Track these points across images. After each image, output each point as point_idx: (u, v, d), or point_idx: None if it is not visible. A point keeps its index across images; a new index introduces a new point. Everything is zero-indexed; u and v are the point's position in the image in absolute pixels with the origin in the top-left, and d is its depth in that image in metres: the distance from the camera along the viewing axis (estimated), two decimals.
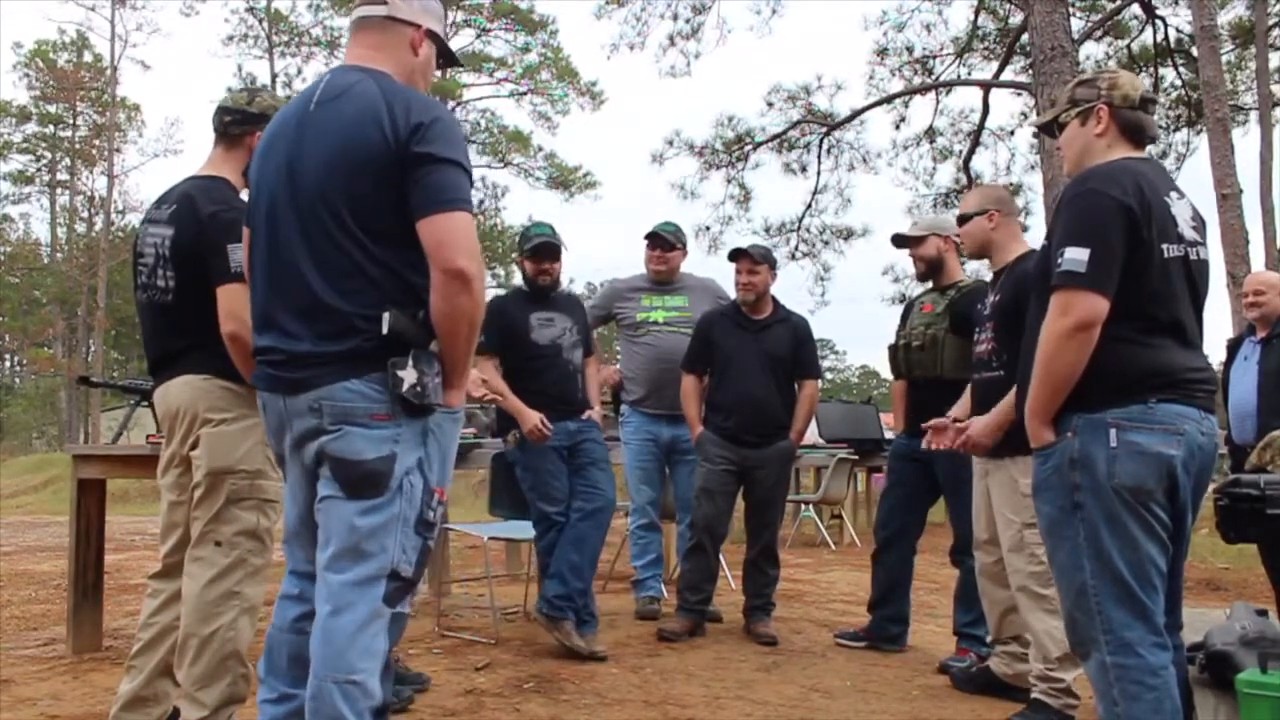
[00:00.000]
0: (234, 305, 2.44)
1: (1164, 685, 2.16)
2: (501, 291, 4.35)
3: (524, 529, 4.28)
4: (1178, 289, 2.23)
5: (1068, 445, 2.21)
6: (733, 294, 4.54)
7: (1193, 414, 2.20)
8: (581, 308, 4.43)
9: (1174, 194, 2.29)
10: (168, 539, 2.71)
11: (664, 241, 4.82)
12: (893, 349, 4.10)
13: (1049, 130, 2.53)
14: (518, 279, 4.15)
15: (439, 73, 2.36)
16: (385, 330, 1.90)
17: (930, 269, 4.06)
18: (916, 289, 4.51)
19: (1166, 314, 2.22)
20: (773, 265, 4.44)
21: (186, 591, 2.56)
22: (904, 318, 4.17)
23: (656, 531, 4.89)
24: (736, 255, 4.42)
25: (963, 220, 3.49)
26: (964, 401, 3.49)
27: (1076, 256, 2.14)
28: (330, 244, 1.93)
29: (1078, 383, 2.18)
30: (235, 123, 2.73)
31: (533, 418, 3.97)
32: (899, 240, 4.16)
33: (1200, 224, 2.33)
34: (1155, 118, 2.40)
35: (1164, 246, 2.20)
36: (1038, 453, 2.29)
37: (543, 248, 4.13)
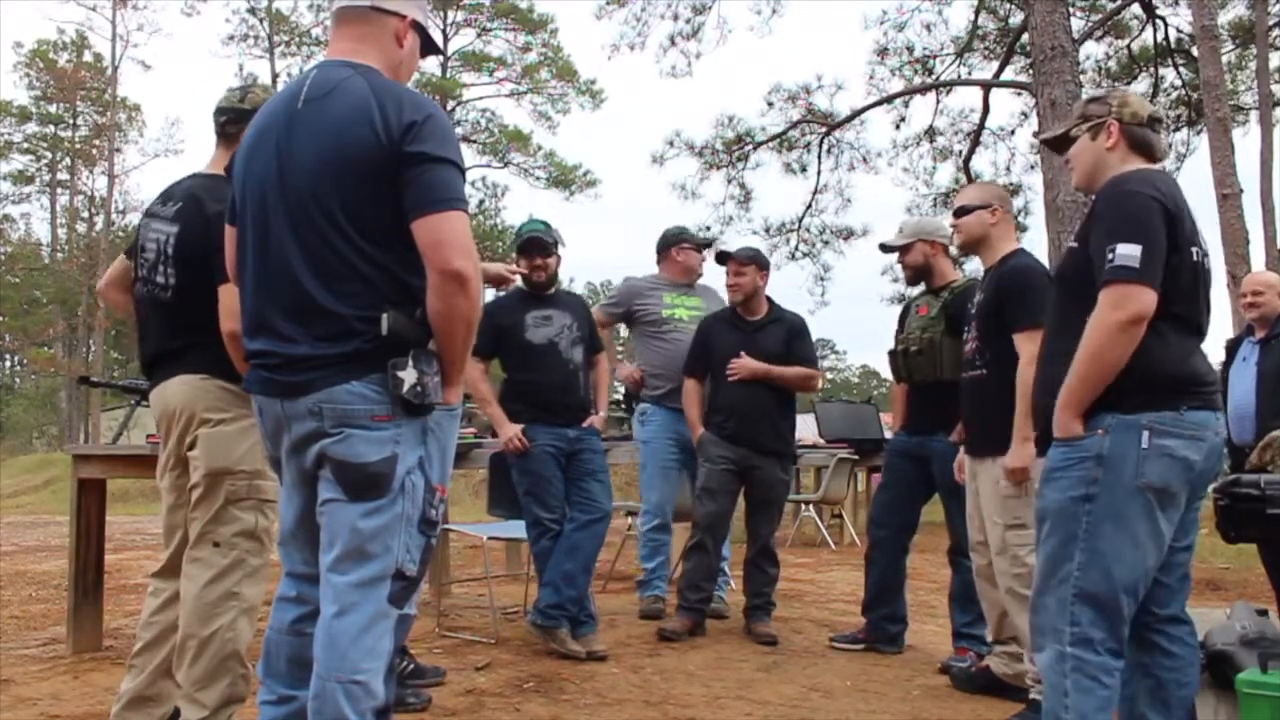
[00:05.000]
0: (236, 304, 2.44)
1: (1115, 688, 2.24)
2: (502, 293, 4.29)
3: (523, 529, 4.28)
4: (1200, 291, 2.33)
5: (1097, 442, 2.24)
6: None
7: (1212, 420, 2.29)
8: (585, 305, 4.41)
9: (1188, 205, 2.37)
10: (170, 541, 2.71)
11: (698, 246, 4.96)
12: (892, 354, 4.08)
13: (1057, 145, 2.56)
14: (517, 278, 4.10)
15: (423, 63, 2.34)
16: (385, 331, 1.90)
17: (917, 275, 4.05)
18: (914, 290, 4.50)
19: (1194, 314, 2.32)
20: (763, 266, 4.45)
21: (185, 592, 2.56)
22: (901, 321, 4.16)
23: (668, 533, 4.89)
24: (723, 258, 4.47)
25: (963, 212, 3.46)
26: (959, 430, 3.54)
27: (1129, 252, 2.19)
28: (323, 244, 1.92)
29: (1114, 382, 2.22)
30: (231, 121, 2.74)
31: (509, 430, 3.96)
32: (886, 248, 4.16)
33: (1203, 237, 2.41)
34: (1162, 138, 2.50)
35: (1193, 249, 2.30)
36: (1059, 442, 2.31)
37: (531, 243, 4.10)
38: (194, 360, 2.61)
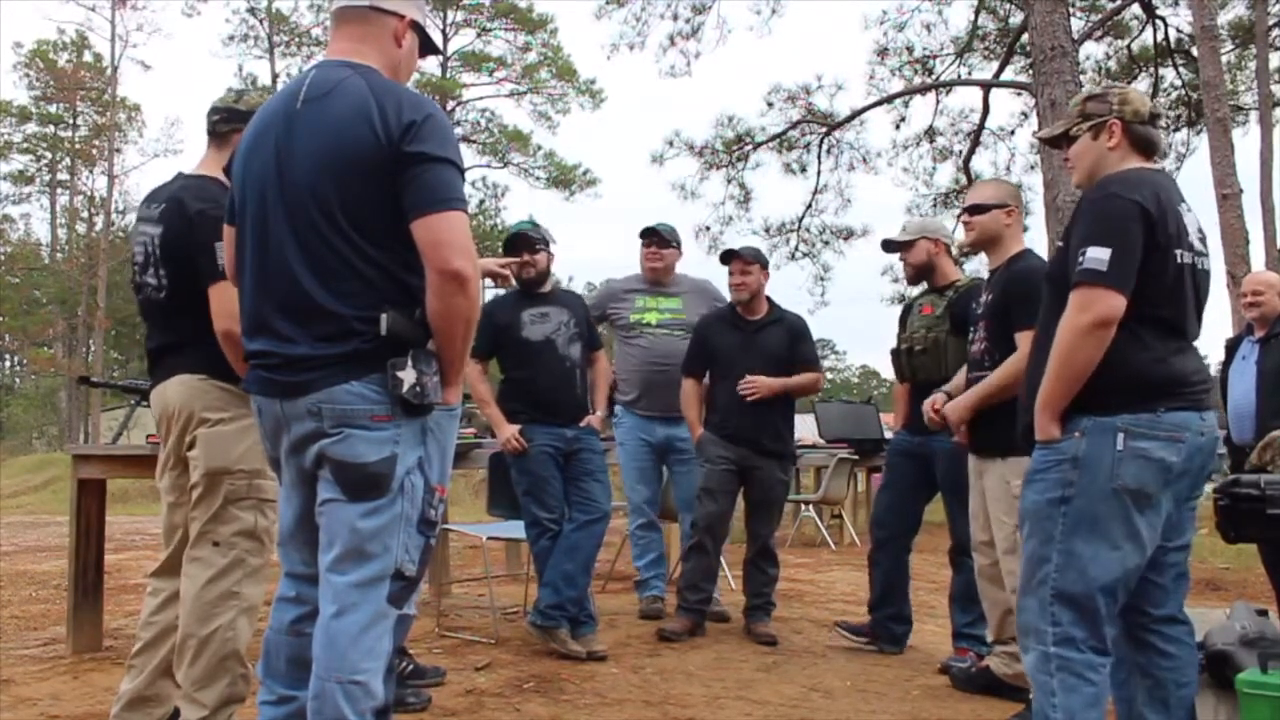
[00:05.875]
0: (226, 304, 2.43)
1: (1102, 684, 2.26)
2: (502, 292, 4.28)
3: (523, 529, 4.27)
4: (1187, 293, 2.33)
5: (1073, 444, 2.26)
6: (728, 295, 4.55)
7: (1194, 420, 2.28)
8: (582, 302, 4.40)
9: (1184, 205, 2.37)
10: (169, 541, 2.71)
11: (659, 237, 4.81)
12: (895, 353, 4.08)
13: (1056, 143, 2.56)
14: (508, 272, 4.09)
15: (421, 62, 2.35)
16: (384, 331, 1.90)
17: (919, 274, 4.04)
18: (914, 289, 4.50)
19: (1177, 316, 2.31)
20: (765, 265, 4.45)
21: (184, 592, 2.56)
22: (903, 320, 4.14)
23: (656, 531, 4.89)
24: (728, 257, 4.45)
25: (978, 210, 3.42)
26: (958, 379, 3.52)
27: (1098, 255, 2.21)
28: (322, 244, 1.92)
29: (1090, 385, 2.24)
30: (223, 120, 2.74)
31: (507, 431, 3.96)
32: (889, 245, 4.15)
33: (1203, 237, 2.42)
34: (1161, 134, 2.51)
35: (1177, 252, 2.29)
36: (1039, 445, 2.33)
37: (517, 239, 4.09)
38: (191, 359, 2.61)
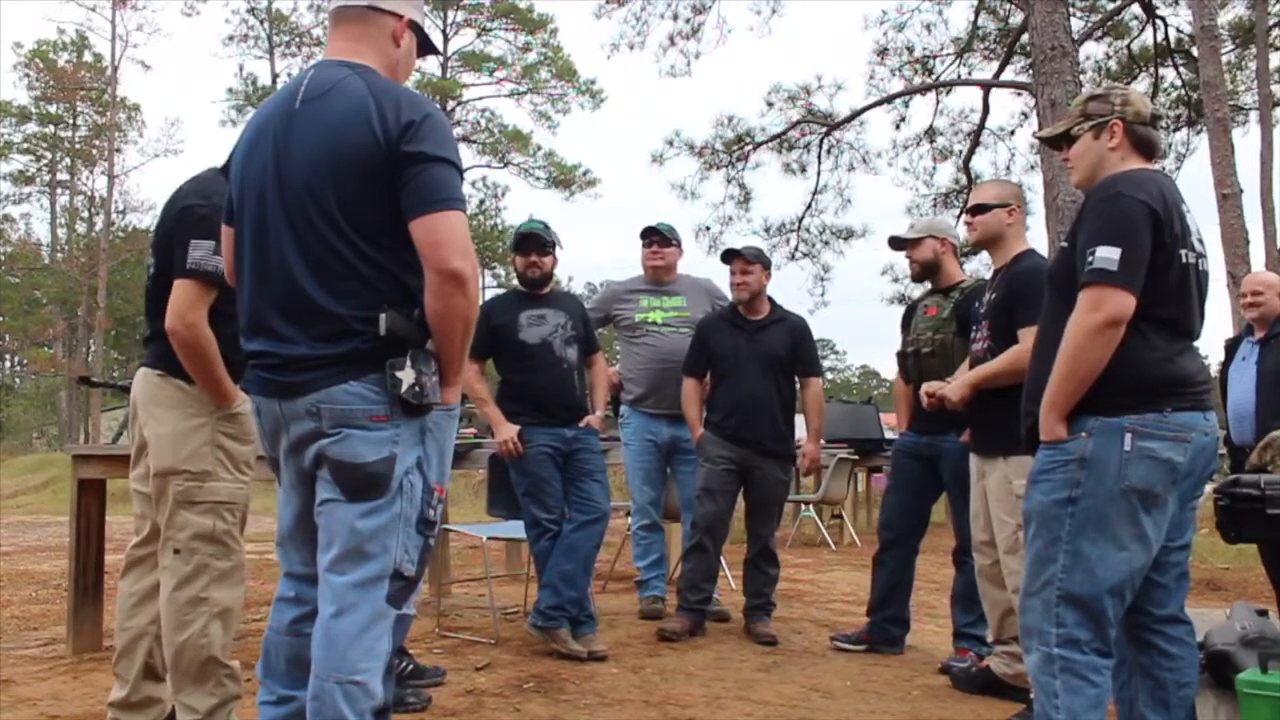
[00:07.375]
0: (180, 303, 2.44)
1: (1105, 686, 2.25)
2: (502, 292, 4.29)
3: (522, 529, 4.28)
4: (1192, 293, 2.33)
5: (1080, 444, 2.26)
6: (729, 294, 4.56)
7: (1199, 421, 2.28)
8: (580, 305, 4.41)
9: (1185, 206, 2.37)
10: (140, 531, 2.71)
11: (660, 236, 4.82)
12: (901, 356, 4.07)
13: (1055, 144, 2.56)
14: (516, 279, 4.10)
15: (421, 63, 2.34)
16: (383, 331, 1.90)
17: (925, 271, 4.05)
18: (916, 289, 4.51)
19: (1182, 316, 2.32)
20: (766, 265, 4.45)
21: (160, 599, 2.55)
22: (906, 322, 4.13)
23: (659, 531, 4.89)
24: (730, 256, 4.45)
25: (980, 210, 3.44)
26: (963, 368, 3.55)
27: (1108, 255, 2.21)
28: (322, 245, 1.92)
29: (1096, 384, 2.23)
30: None
31: (506, 432, 3.96)
32: (895, 242, 4.15)
33: (1201, 238, 2.42)
34: (1161, 136, 2.53)
35: (1181, 252, 2.30)
36: (1044, 445, 2.32)
37: (528, 239, 4.10)
38: (155, 353, 2.60)
